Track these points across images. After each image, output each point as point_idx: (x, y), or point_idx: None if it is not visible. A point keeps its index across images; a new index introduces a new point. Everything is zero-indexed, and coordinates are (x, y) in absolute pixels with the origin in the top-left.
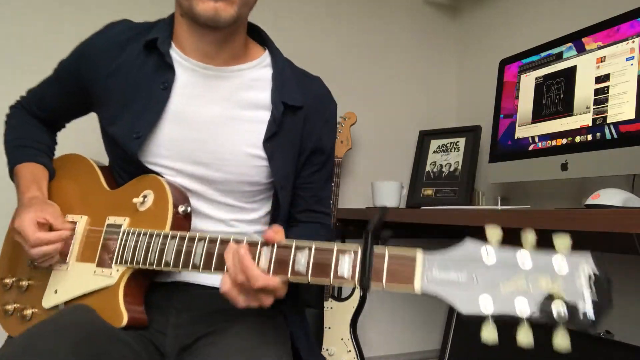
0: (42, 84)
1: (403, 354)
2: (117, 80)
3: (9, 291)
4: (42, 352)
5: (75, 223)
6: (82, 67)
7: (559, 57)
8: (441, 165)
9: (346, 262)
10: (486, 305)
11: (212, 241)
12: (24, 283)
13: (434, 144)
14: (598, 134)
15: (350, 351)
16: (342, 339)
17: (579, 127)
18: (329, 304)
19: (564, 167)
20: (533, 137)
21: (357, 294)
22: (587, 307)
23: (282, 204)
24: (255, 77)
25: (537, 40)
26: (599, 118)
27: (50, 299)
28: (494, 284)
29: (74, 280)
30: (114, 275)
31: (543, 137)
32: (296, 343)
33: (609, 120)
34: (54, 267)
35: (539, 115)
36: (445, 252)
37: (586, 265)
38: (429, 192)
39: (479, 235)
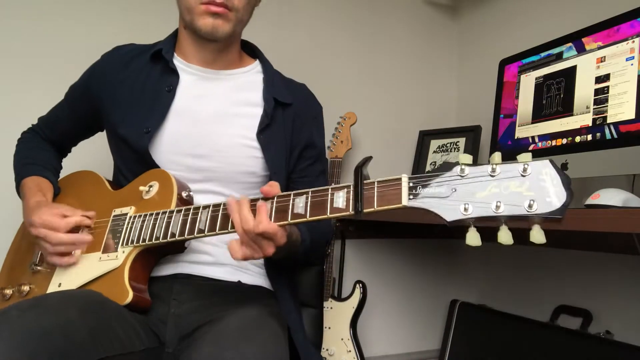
0: (53, 109)
1: (403, 354)
2: (125, 87)
3: (8, 301)
4: (50, 309)
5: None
6: (92, 83)
7: (559, 57)
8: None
9: (340, 197)
10: (467, 211)
11: (216, 206)
12: (25, 288)
13: (434, 144)
14: (598, 134)
15: (350, 351)
16: (342, 339)
17: (579, 127)
18: (329, 304)
19: (564, 167)
20: (533, 137)
21: (357, 294)
22: (553, 198)
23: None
24: (248, 80)
25: (537, 40)
26: (599, 118)
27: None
28: (472, 192)
29: (79, 271)
30: (120, 257)
31: (543, 137)
32: (295, 343)
33: (609, 120)
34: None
35: (539, 115)
36: (426, 174)
37: (547, 168)
38: None
39: (482, 233)
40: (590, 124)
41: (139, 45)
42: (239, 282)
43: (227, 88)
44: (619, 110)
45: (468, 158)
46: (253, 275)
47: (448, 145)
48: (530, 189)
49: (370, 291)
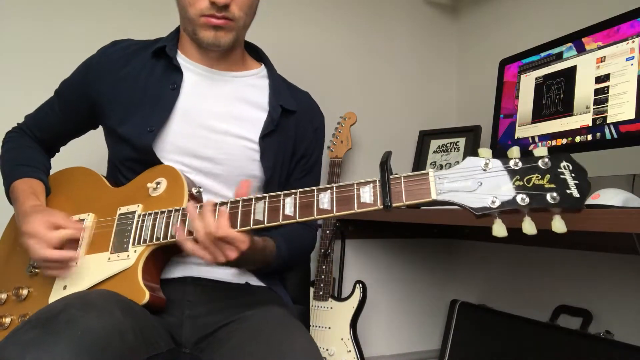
0: (42, 106)
1: (403, 354)
2: (126, 84)
3: (3, 305)
4: (103, 310)
5: (82, 221)
6: (90, 78)
7: (559, 57)
8: (441, 166)
9: (367, 192)
10: (494, 203)
11: (234, 202)
12: (24, 292)
13: (434, 144)
14: (598, 134)
15: (350, 351)
16: (342, 339)
17: (579, 127)
18: (329, 304)
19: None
20: (533, 137)
21: (357, 293)
22: (573, 190)
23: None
24: (253, 83)
25: (537, 40)
26: (599, 118)
27: (59, 296)
28: (497, 186)
29: (86, 272)
30: (132, 256)
31: (543, 137)
32: None
33: (609, 120)
34: None
35: (539, 115)
36: (452, 168)
37: (564, 162)
38: None
39: (482, 233)
40: (590, 124)
41: (137, 40)
42: (247, 283)
43: (233, 87)
44: (619, 110)
45: (488, 152)
46: (258, 275)
47: (448, 145)
48: (551, 181)
49: (370, 291)
